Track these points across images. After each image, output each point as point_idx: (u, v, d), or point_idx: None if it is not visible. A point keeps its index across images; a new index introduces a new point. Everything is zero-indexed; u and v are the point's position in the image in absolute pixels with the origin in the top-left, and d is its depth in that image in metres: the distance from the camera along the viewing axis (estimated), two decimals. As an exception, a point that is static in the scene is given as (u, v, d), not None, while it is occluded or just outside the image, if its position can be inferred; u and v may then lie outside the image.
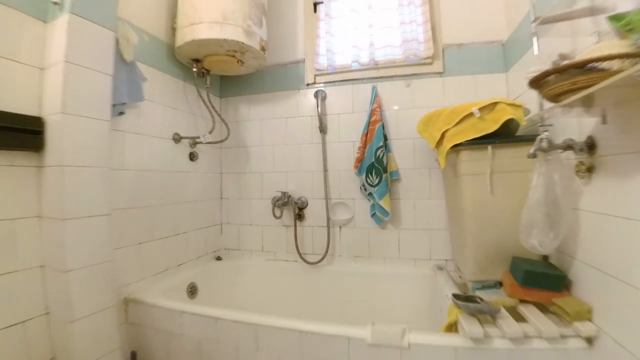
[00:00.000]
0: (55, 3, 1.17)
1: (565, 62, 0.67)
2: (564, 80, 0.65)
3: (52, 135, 1.14)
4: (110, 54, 1.29)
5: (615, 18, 0.75)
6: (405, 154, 1.87)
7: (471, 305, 1.08)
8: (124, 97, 1.38)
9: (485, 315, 1.09)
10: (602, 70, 0.60)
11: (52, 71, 1.15)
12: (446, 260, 1.79)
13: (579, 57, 0.66)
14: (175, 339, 1.34)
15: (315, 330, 1.15)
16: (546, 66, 0.72)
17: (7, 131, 1.05)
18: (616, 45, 0.63)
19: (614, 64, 0.60)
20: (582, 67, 0.62)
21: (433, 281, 1.68)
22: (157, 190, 1.65)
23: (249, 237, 2.15)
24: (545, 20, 0.93)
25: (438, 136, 1.41)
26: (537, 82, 0.74)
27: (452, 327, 1.14)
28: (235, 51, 1.70)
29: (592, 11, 0.89)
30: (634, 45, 0.61)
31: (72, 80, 1.14)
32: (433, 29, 1.83)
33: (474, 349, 1.03)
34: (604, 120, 0.90)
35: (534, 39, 1.01)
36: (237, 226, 2.17)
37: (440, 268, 1.74)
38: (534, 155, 1.01)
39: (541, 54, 1.01)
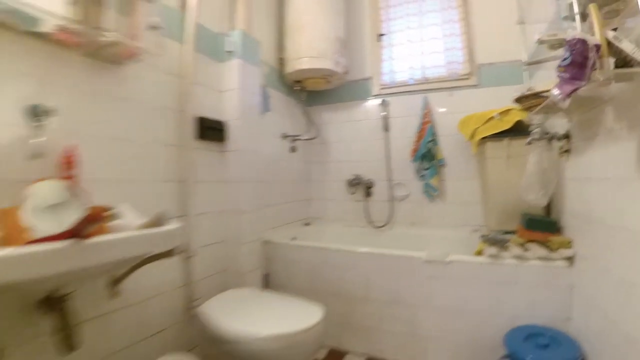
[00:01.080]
0: (229, 52, 1.91)
1: (527, 92, 1.30)
2: (527, 101, 1.29)
3: (232, 132, 1.88)
4: (257, 81, 2.05)
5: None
6: (449, 146, 2.46)
7: (490, 236, 1.72)
8: (262, 109, 2.14)
9: (500, 244, 1.71)
10: (544, 97, 1.23)
11: (229, 94, 1.89)
12: (480, 226, 2.38)
13: (535, 90, 1.29)
14: (294, 265, 2.07)
15: (390, 253, 1.84)
16: (519, 93, 1.36)
17: (210, 130, 1.78)
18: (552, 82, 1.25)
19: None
20: (535, 95, 1.25)
21: (469, 240, 2.29)
22: (272, 171, 2.38)
23: (329, 209, 2.88)
24: (531, 63, 1.55)
25: (471, 132, 2.04)
26: (517, 101, 1.38)
27: (479, 254, 1.76)
28: (327, 75, 2.43)
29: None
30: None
31: (242, 99, 1.90)
32: (470, 52, 2.44)
33: (492, 263, 1.63)
34: (570, 120, 1.51)
35: (526, 74, 1.63)
36: (320, 201, 2.91)
37: (475, 230, 2.35)
38: (530, 143, 1.61)
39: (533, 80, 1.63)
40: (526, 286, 1.59)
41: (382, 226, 2.58)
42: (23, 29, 0.98)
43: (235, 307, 1.43)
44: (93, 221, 0.72)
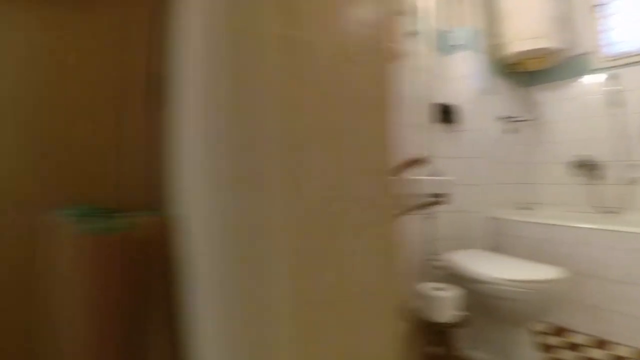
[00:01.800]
0: (452, 45, 2.26)
1: None
2: None
3: (463, 114, 2.24)
4: (481, 69, 2.35)
5: None
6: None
7: None
8: (485, 93, 2.37)
9: None
10: None
11: (455, 81, 2.28)
12: None
13: None
14: (518, 239, 2.20)
15: (625, 230, 1.78)
16: None
17: (445, 113, 2.17)
18: None
19: None
20: None
21: None
22: (491, 152, 2.46)
23: (547, 192, 2.78)
24: None
25: None
26: None
27: None
28: (546, 54, 2.47)
29: None
30: None
31: (470, 85, 2.25)
32: None
33: None
34: None
35: None
36: (537, 184, 2.83)
37: None
38: None
39: None
40: None
41: (615, 212, 2.34)
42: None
43: (478, 259, 1.73)
44: (415, 164, 1.14)
